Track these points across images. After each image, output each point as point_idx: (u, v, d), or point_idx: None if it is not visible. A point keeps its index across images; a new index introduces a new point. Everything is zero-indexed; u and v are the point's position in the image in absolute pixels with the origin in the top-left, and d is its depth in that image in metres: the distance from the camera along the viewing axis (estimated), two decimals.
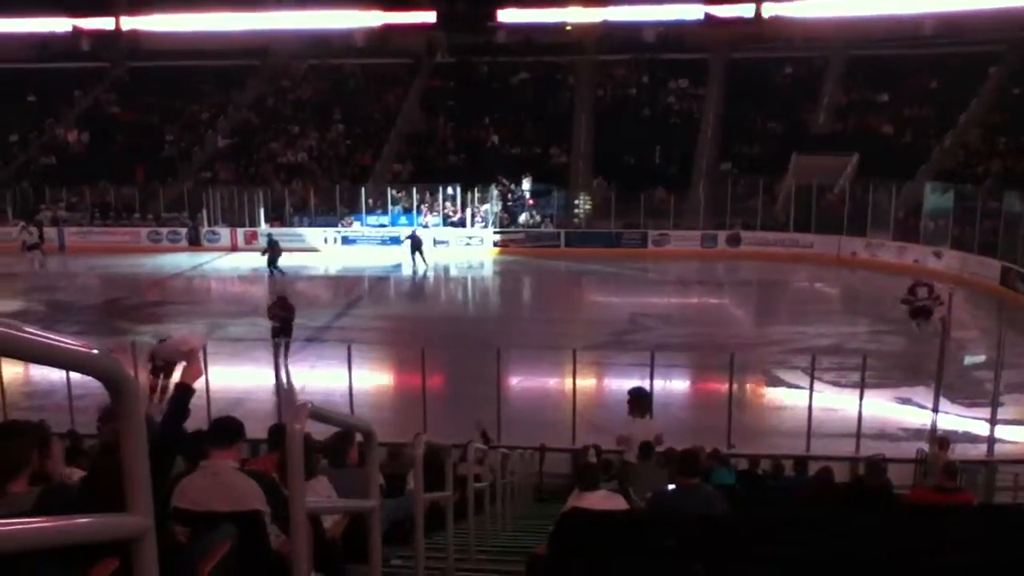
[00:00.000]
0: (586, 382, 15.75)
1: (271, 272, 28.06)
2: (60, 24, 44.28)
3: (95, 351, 1.53)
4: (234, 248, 33.38)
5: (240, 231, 33.83)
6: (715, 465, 9.88)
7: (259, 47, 42.71)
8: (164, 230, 34.24)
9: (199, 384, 3.71)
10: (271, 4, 43.04)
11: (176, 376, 3.86)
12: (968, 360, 17.63)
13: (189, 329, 20.20)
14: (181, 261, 31.62)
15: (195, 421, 3.99)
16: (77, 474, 4.66)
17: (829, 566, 4.08)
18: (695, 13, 40.71)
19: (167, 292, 27.46)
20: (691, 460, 6.42)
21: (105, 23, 44.42)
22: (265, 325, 18.83)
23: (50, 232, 34.16)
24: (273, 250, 28.39)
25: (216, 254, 32.87)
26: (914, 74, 35.81)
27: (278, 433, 4.56)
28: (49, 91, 41.38)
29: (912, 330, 20.07)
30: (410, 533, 4.34)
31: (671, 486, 6.42)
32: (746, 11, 40.25)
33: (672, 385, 16.81)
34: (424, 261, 29.84)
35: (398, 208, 34.31)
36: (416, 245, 29.82)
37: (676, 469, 6.57)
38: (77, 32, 44.83)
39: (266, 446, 4.94)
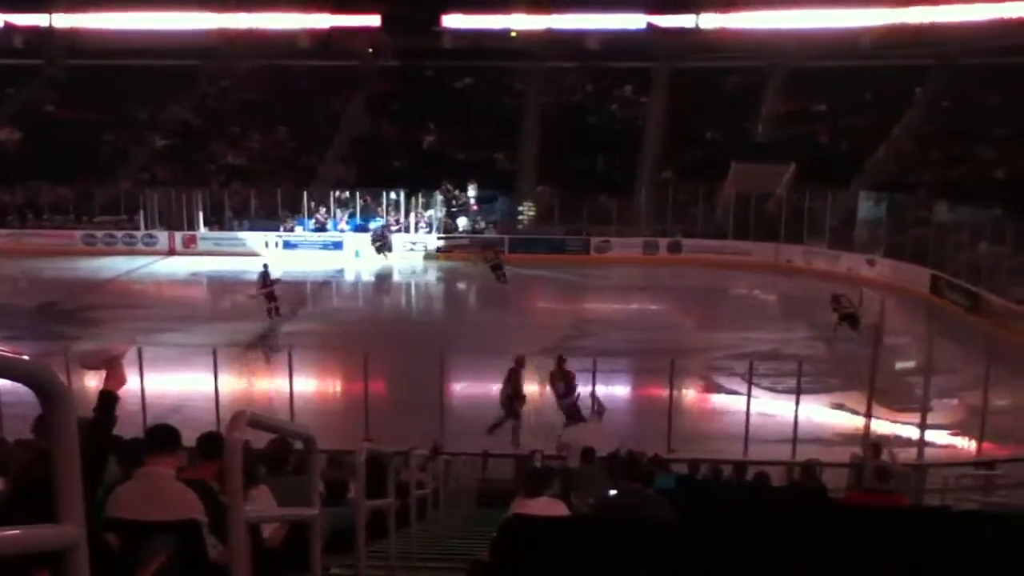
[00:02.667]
0: (530, 388, 15.79)
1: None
2: None
3: (25, 357, 1.49)
4: (172, 252, 32.73)
5: (179, 234, 33.17)
6: (657, 470, 9.97)
7: (202, 47, 42.00)
8: (99, 233, 33.38)
9: (129, 390, 3.64)
10: (215, 4, 42.36)
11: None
12: (899, 366, 18.12)
13: (114, 337, 19.79)
14: (117, 264, 30.90)
15: (132, 428, 3.90)
16: None
17: (770, 567, 4.15)
18: (638, 22, 41.21)
19: (103, 296, 26.81)
20: (633, 465, 6.49)
21: (39, 19, 43.24)
22: (203, 330, 18.34)
23: None
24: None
25: (153, 258, 32.19)
26: (850, 85, 36.74)
27: (209, 442, 4.47)
28: None
29: (833, 334, 21.04)
30: (352, 541, 4.30)
31: (613, 491, 6.47)
32: (687, 21, 40.86)
33: (614, 390, 16.94)
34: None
35: (345, 213, 34.05)
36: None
37: (619, 474, 6.63)
38: (9, 28, 43.56)
39: (200, 455, 4.84)
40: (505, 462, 13.10)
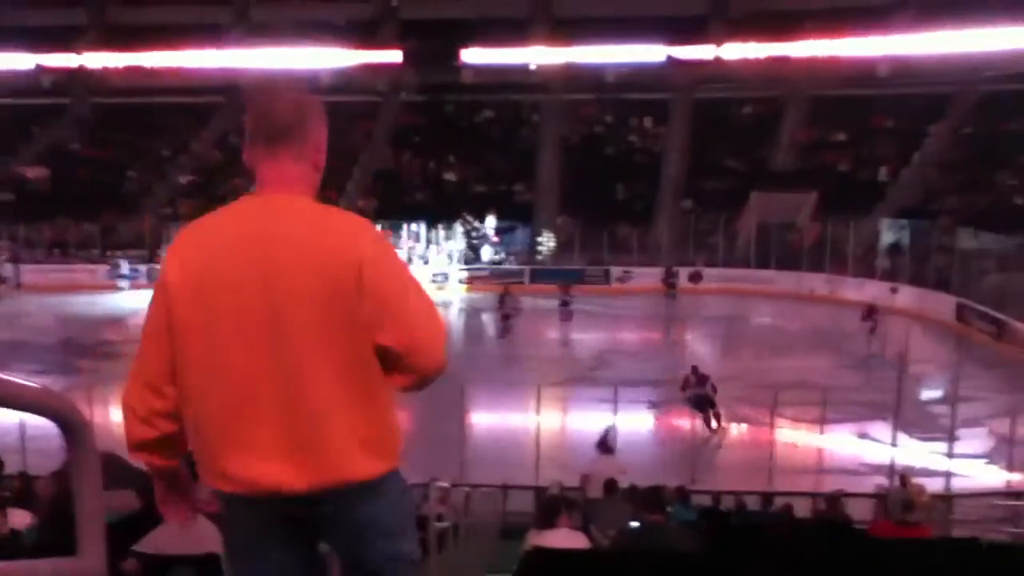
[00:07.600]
0: (551, 419, 15.73)
1: None
2: (22, 61, 43.71)
3: (49, 391, 1.53)
4: None
5: None
6: (678, 503, 9.89)
7: (224, 84, 42.59)
8: (125, 268, 33.69)
9: None
10: (237, 43, 43.01)
11: None
12: (925, 395, 17.90)
13: None
14: (142, 298, 31.14)
15: None
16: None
17: None
18: (658, 55, 41.32)
19: (126, 331, 27.00)
20: (655, 497, 6.45)
21: (68, 60, 43.95)
22: None
23: (7, 269, 33.57)
24: None
25: None
26: (871, 114, 36.65)
27: None
28: (8, 128, 40.83)
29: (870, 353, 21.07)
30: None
31: (634, 523, 6.42)
32: (706, 52, 40.94)
33: (635, 420, 16.84)
34: None
35: None
36: None
37: (640, 506, 6.59)
38: (39, 69, 44.31)
39: None
40: (526, 494, 13.02)
